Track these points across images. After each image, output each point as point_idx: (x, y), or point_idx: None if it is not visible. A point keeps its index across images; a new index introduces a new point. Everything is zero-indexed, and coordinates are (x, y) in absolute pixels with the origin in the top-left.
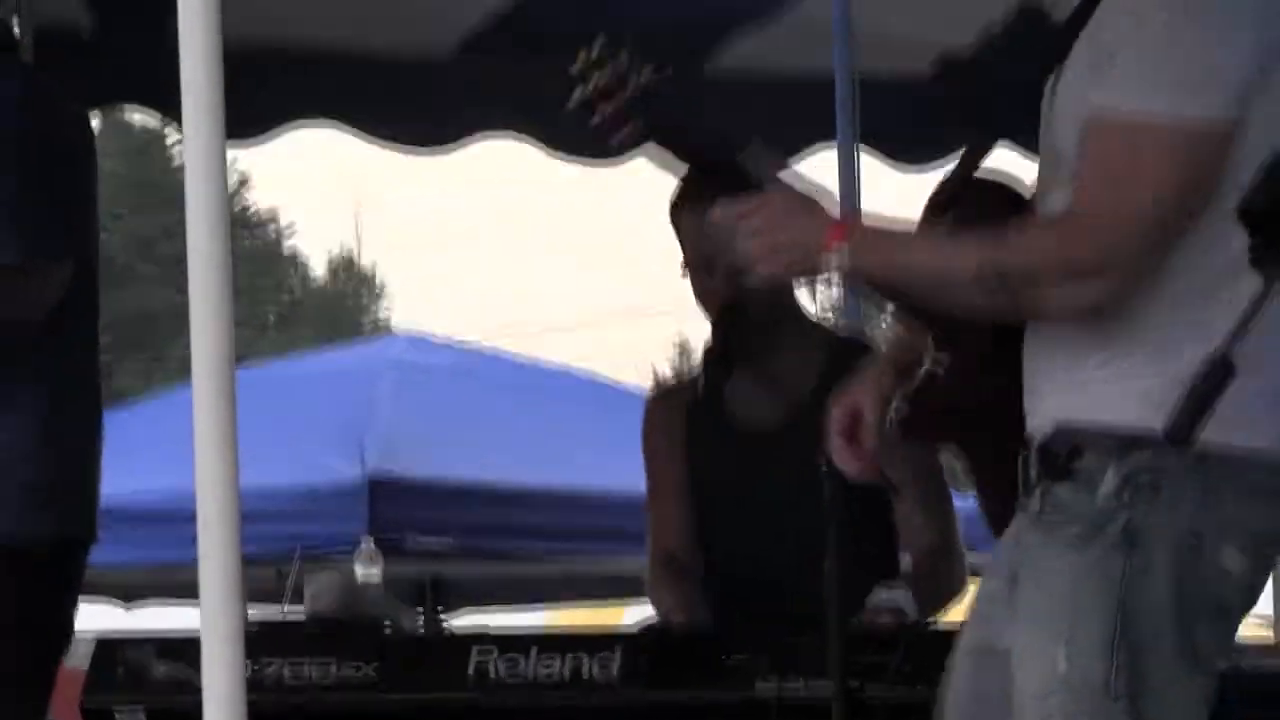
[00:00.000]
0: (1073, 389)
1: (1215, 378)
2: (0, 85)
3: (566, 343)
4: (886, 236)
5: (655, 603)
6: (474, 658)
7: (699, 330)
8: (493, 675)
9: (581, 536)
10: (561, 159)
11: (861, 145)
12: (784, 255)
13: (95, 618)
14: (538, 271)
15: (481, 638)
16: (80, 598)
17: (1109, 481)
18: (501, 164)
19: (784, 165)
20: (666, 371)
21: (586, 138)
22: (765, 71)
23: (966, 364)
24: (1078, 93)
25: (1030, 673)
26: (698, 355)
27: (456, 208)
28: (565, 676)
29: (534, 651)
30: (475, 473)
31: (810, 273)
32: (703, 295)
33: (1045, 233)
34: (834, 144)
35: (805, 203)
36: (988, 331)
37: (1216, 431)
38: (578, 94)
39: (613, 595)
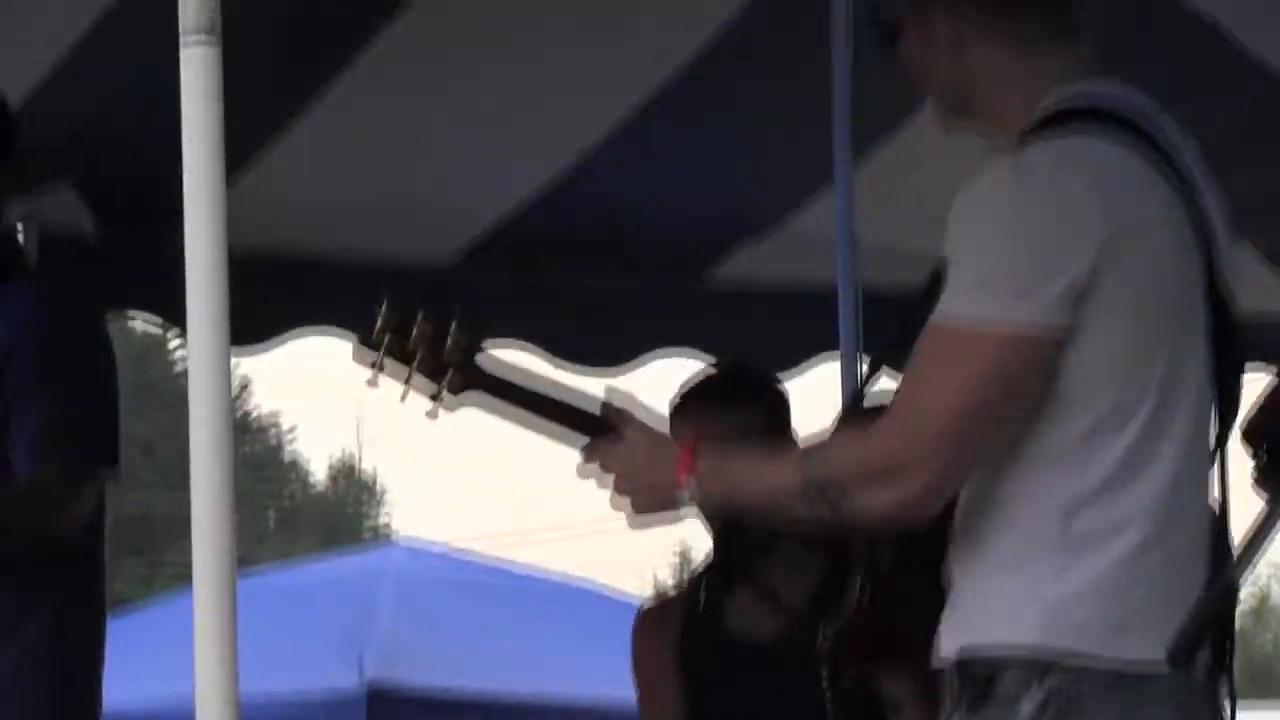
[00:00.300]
0: (984, 608)
1: (1221, 603)
2: (23, 299)
3: (568, 550)
4: (726, 463)
5: None
6: None
7: (699, 538)
8: None
9: None
10: (565, 367)
11: (865, 356)
12: (646, 497)
13: None
14: (539, 480)
15: None
16: None
17: (1030, 702)
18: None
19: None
20: (667, 580)
21: (589, 346)
22: (768, 282)
23: (892, 593)
24: None
25: None
26: (698, 563)
27: (458, 415)
28: None
29: None
30: (473, 683)
31: (672, 508)
32: None
33: (852, 439)
34: (837, 354)
35: (658, 442)
36: (915, 560)
37: (1134, 649)
38: (379, 359)
39: None
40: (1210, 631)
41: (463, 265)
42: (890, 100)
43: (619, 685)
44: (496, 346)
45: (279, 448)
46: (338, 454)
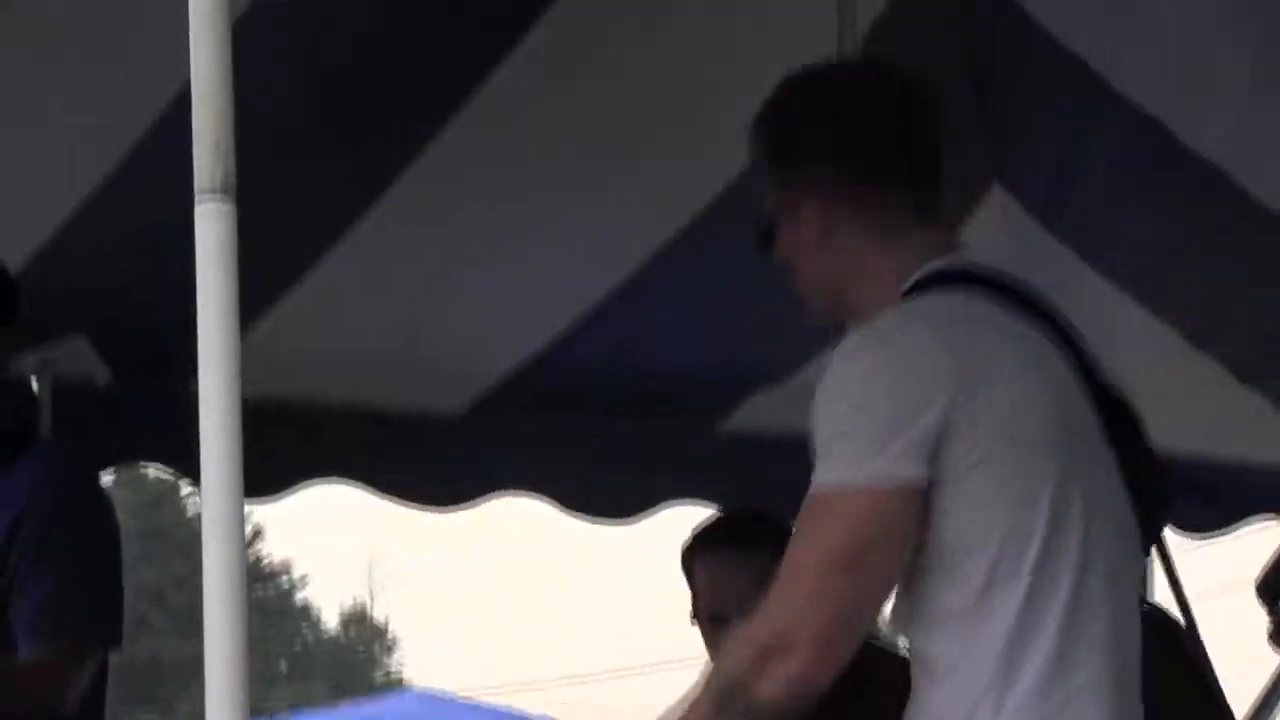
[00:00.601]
0: None
1: None
2: (35, 472)
3: (578, 696)
4: None
5: None
6: None
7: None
8: None
9: None
10: (577, 517)
11: None
12: None
13: None
14: (550, 628)
15: None
16: None
17: None
18: (515, 521)
19: None
20: None
21: (601, 497)
22: (779, 431)
23: None
24: None
25: None
26: None
27: (470, 563)
28: None
29: None
30: None
31: None
32: (713, 646)
33: (736, 637)
34: None
35: None
36: None
37: None
38: None
39: None
40: None
41: (472, 415)
42: None
43: None
44: (507, 497)
45: (290, 594)
46: (349, 601)
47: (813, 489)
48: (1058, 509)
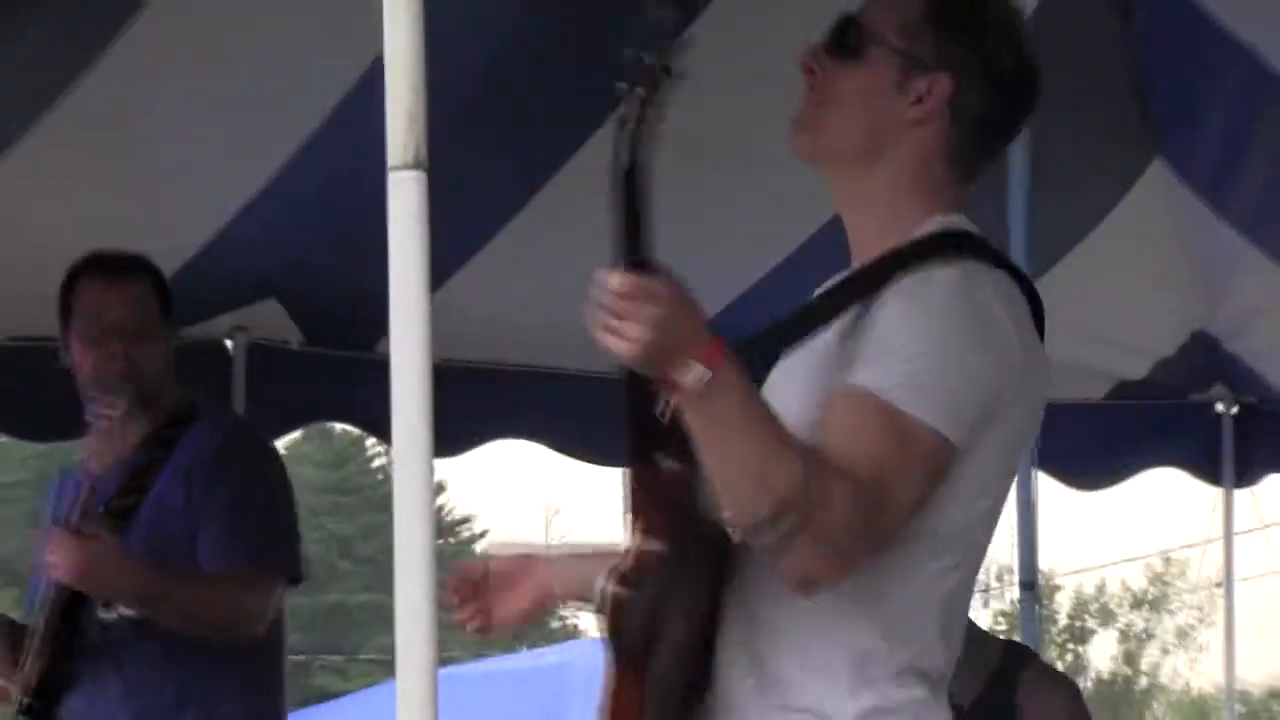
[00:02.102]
0: (771, 696)
1: None
2: (200, 433)
3: None
4: (747, 393)
5: None
6: None
7: None
8: None
9: None
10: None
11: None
12: (656, 354)
13: None
14: None
15: None
16: None
17: None
18: None
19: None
20: None
21: None
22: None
23: (672, 575)
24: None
25: None
26: None
27: None
28: None
29: None
30: None
31: (659, 373)
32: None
33: (840, 482)
34: None
35: (697, 310)
36: (703, 559)
37: None
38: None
39: None
40: None
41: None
42: (1063, 226)
43: None
44: None
45: (471, 544)
46: (527, 551)
47: (896, 401)
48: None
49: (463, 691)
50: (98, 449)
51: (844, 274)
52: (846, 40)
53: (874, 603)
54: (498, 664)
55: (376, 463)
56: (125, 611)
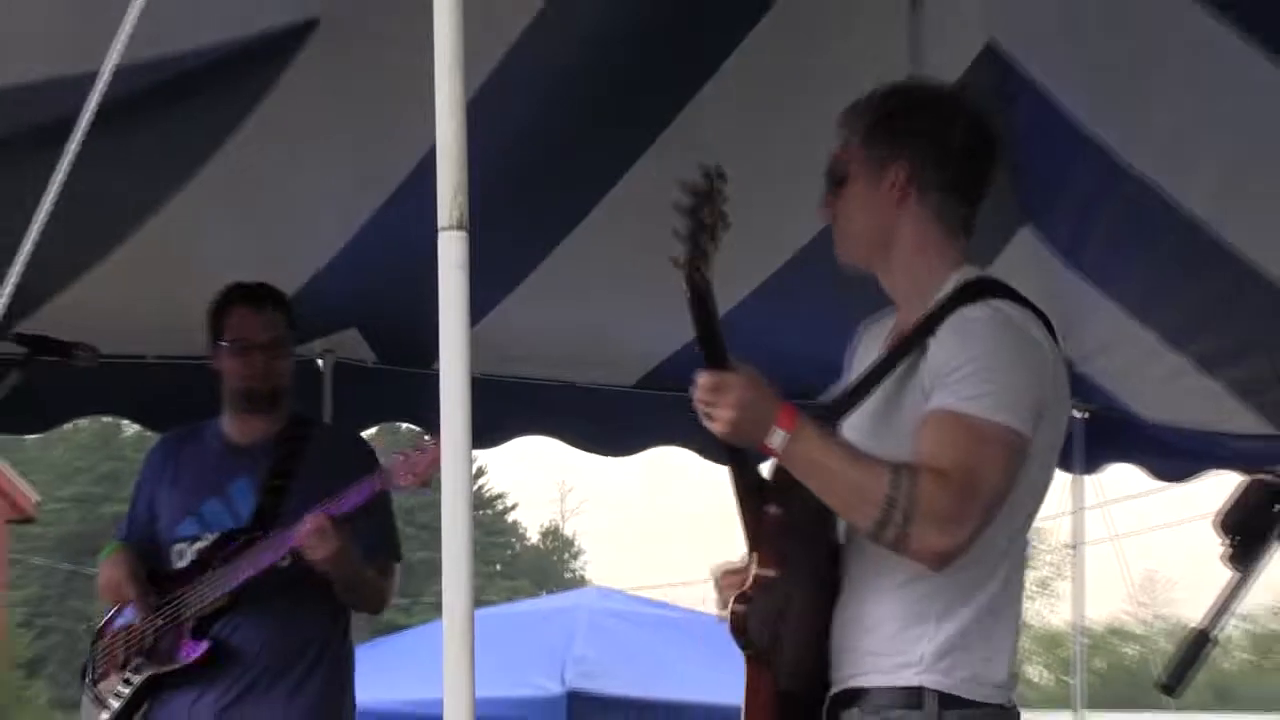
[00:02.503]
0: (863, 659)
1: (1200, 647)
2: (338, 438)
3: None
4: (826, 436)
5: None
6: None
7: None
8: None
9: None
10: (715, 462)
11: None
12: (745, 426)
13: None
14: (699, 542)
15: None
16: None
17: None
18: (670, 465)
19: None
20: None
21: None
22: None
23: (786, 590)
24: (916, 408)
25: None
26: None
27: (636, 495)
28: None
29: None
30: (645, 691)
31: (756, 445)
32: None
33: (929, 481)
34: None
35: (768, 392)
36: (809, 574)
37: (957, 689)
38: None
39: None
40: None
41: (637, 388)
42: None
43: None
44: (664, 446)
45: (504, 515)
46: (546, 521)
47: (967, 411)
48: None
49: (495, 627)
50: (241, 432)
51: (889, 341)
52: (835, 173)
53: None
54: (522, 606)
55: None
56: (287, 564)
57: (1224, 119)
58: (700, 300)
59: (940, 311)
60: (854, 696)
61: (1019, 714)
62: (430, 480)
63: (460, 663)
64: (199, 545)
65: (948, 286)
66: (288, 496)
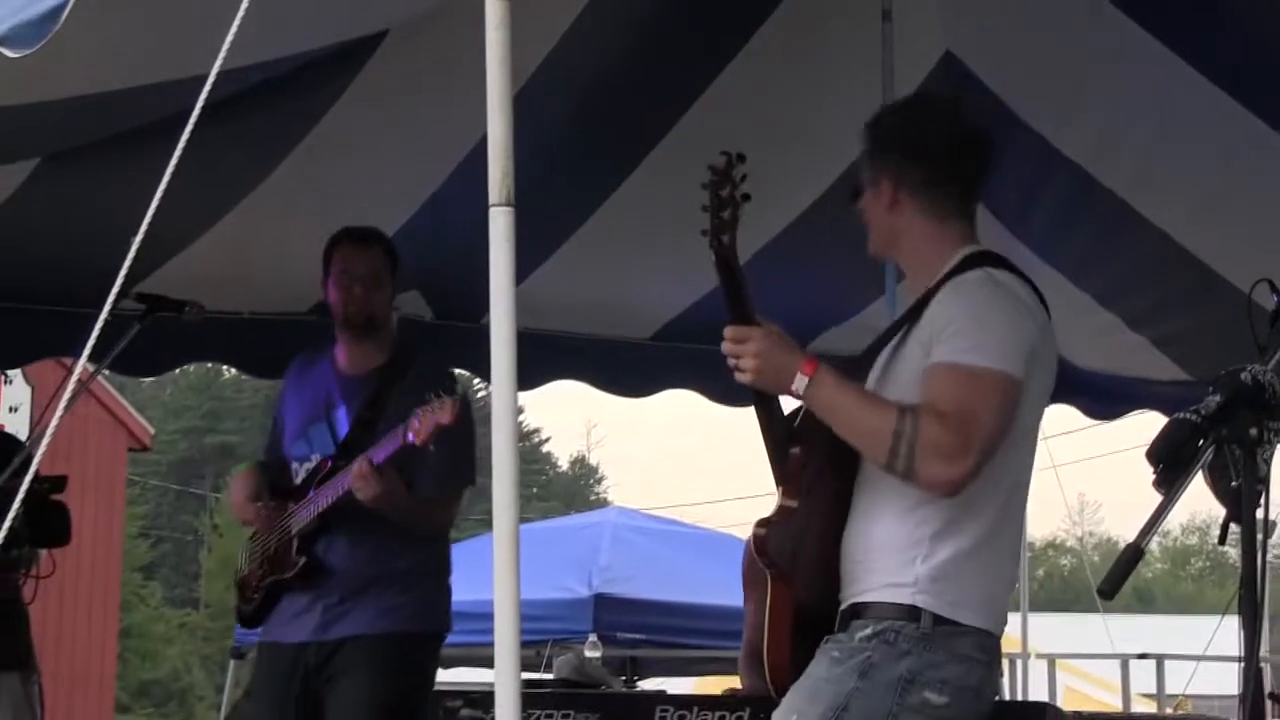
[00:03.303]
0: (869, 575)
1: (1133, 557)
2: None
3: (723, 512)
4: (839, 383)
5: (742, 678)
6: (658, 712)
7: None
8: None
9: (721, 635)
10: (722, 405)
11: None
12: (769, 375)
13: None
14: (706, 469)
15: (664, 698)
16: None
17: (865, 632)
18: (681, 407)
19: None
20: None
21: (740, 393)
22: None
23: (805, 516)
24: (914, 363)
25: None
26: None
27: (656, 429)
28: None
29: (696, 709)
30: (658, 594)
31: (776, 390)
32: None
33: (932, 419)
34: None
35: (790, 343)
36: (825, 503)
37: (946, 610)
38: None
39: (735, 673)
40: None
41: (653, 340)
42: None
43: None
44: (677, 389)
45: (540, 446)
46: (574, 451)
47: (970, 365)
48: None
49: (531, 541)
50: (349, 361)
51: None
52: (853, 188)
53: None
54: (554, 523)
55: (480, 394)
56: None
57: (1142, 112)
58: (725, 265)
59: (942, 280)
60: (861, 608)
61: (997, 639)
62: (429, 437)
63: (507, 569)
64: (307, 465)
65: (952, 262)
66: (375, 428)
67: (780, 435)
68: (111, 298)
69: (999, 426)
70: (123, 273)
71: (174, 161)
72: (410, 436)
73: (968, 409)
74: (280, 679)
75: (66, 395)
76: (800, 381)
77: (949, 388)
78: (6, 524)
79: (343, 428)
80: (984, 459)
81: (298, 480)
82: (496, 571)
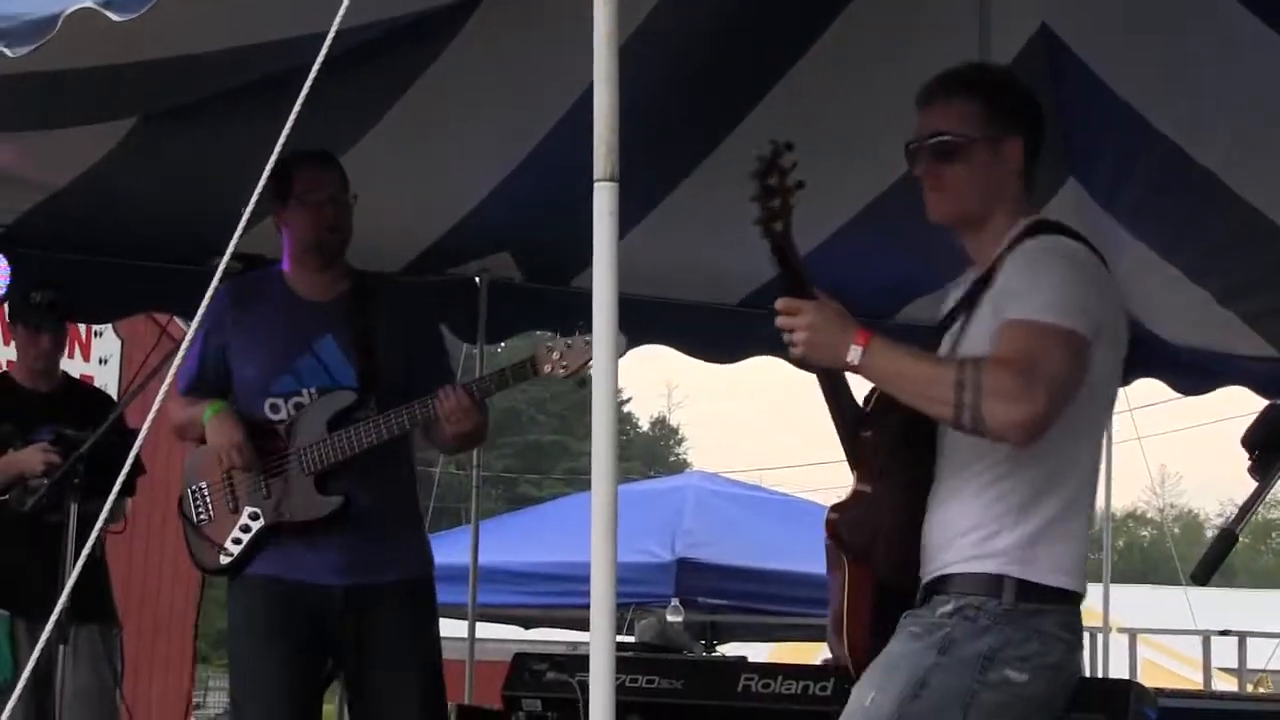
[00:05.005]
0: (951, 550)
1: (1227, 544)
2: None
3: (803, 476)
4: (896, 345)
5: (831, 648)
6: (742, 679)
7: None
8: (754, 690)
9: (801, 601)
10: (798, 369)
11: None
12: (822, 349)
13: (504, 636)
14: (786, 435)
15: (746, 665)
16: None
17: (946, 608)
18: (766, 371)
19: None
20: None
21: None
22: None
23: (879, 499)
24: (985, 326)
25: (853, 701)
26: None
27: (736, 392)
28: (799, 693)
29: (780, 676)
30: (740, 559)
31: (832, 363)
32: None
33: (995, 364)
34: None
35: (844, 314)
36: (900, 485)
37: (1035, 577)
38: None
39: (814, 639)
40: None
41: (740, 306)
42: None
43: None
44: (760, 355)
45: (621, 407)
46: (656, 413)
47: (1040, 320)
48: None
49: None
50: (313, 289)
51: (971, 278)
52: (944, 152)
53: (1030, 466)
54: (638, 486)
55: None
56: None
57: (1237, 88)
58: (777, 248)
59: (1009, 248)
60: (942, 583)
61: (1078, 615)
62: (583, 374)
63: (605, 527)
64: (295, 401)
65: (1016, 230)
66: (378, 358)
67: (851, 419)
68: (225, 259)
69: (1066, 374)
70: (237, 234)
71: (288, 125)
72: (547, 368)
73: (1031, 352)
74: (298, 616)
75: (178, 354)
76: (854, 352)
77: (1013, 338)
78: (119, 481)
79: (333, 359)
80: (1053, 404)
81: (279, 416)
82: (595, 536)
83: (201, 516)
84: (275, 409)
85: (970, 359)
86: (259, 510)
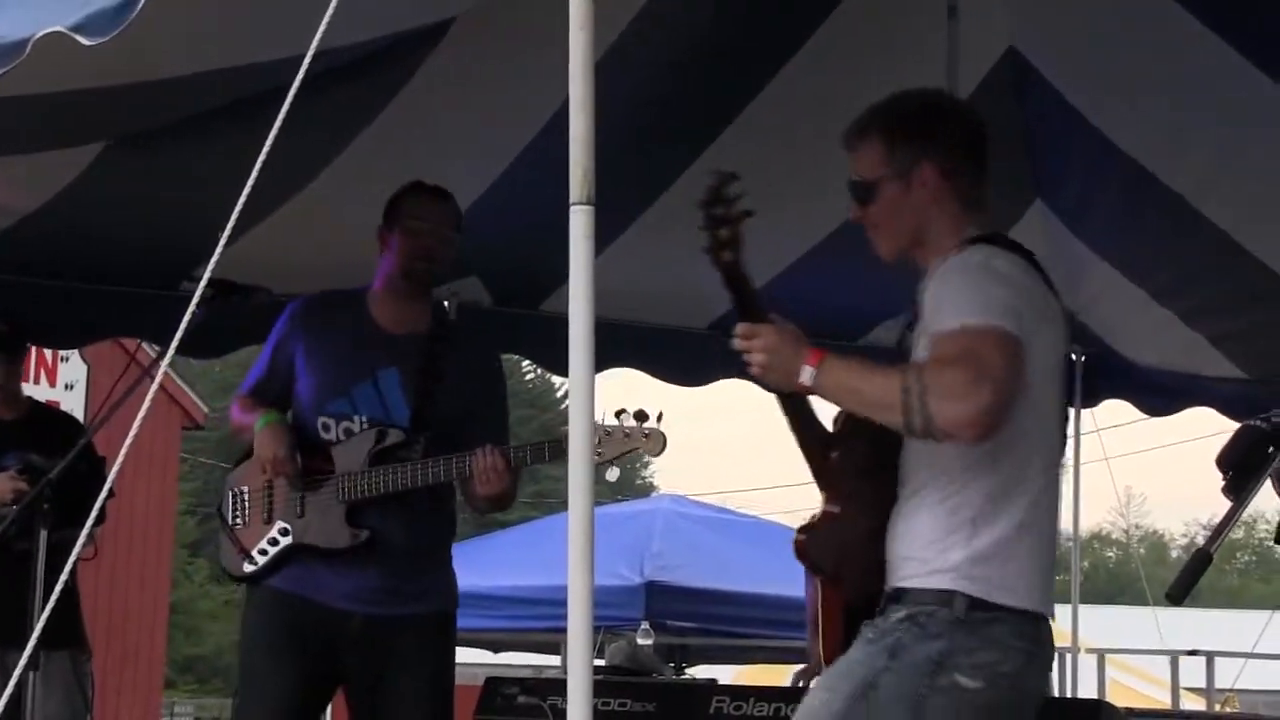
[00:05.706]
0: (908, 564)
1: (1202, 564)
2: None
3: (767, 499)
4: (847, 361)
5: (810, 647)
6: (714, 701)
7: None
8: (726, 712)
9: (770, 623)
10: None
11: None
12: (778, 372)
13: (474, 660)
14: (751, 456)
15: (718, 688)
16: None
17: (899, 614)
18: (733, 394)
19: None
20: None
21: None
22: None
23: (848, 520)
24: (922, 343)
25: (807, 700)
26: None
27: (708, 418)
28: (770, 715)
29: (751, 699)
30: (708, 583)
31: (788, 385)
32: None
33: (936, 365)
34: None
35: (797, 336)
36: (868, 506)
37: (986, 594)
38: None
39: (782, 661)
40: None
41: (709, 330)
42: None
43: (795, 585)
44: (728, 379)
45: None
46: None
47: (967, 325)
48: (1046, 417)
49: None
50: (392, 319)
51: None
52: (861, 196)
53: (981, 476)
54: (607, 509)
55: (528, 376)
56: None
57: (1205, 111)
58: (727, 276)
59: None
60: (899, 595)
61: (1045, 619)
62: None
63: (582, 548)
64: (346, 425)
65: (953, 249)
66: (436, 402)
67: (819, 441)
68: (201, 285)
69: (1005, 367)
70: (214, 258)
71: (265, 148)
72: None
73: (970, 349)
74: (312, 636)
75: (154, 383)
76: (807, 372)
77: (947, 343)
78: (95, 510)
79: (392, 393)
80: (998, 397)
81: (329, 436)
82: (572, 554)
83: (237, 521)
84: (326, 428)
85: (914, 364)
86: (289, 526)
